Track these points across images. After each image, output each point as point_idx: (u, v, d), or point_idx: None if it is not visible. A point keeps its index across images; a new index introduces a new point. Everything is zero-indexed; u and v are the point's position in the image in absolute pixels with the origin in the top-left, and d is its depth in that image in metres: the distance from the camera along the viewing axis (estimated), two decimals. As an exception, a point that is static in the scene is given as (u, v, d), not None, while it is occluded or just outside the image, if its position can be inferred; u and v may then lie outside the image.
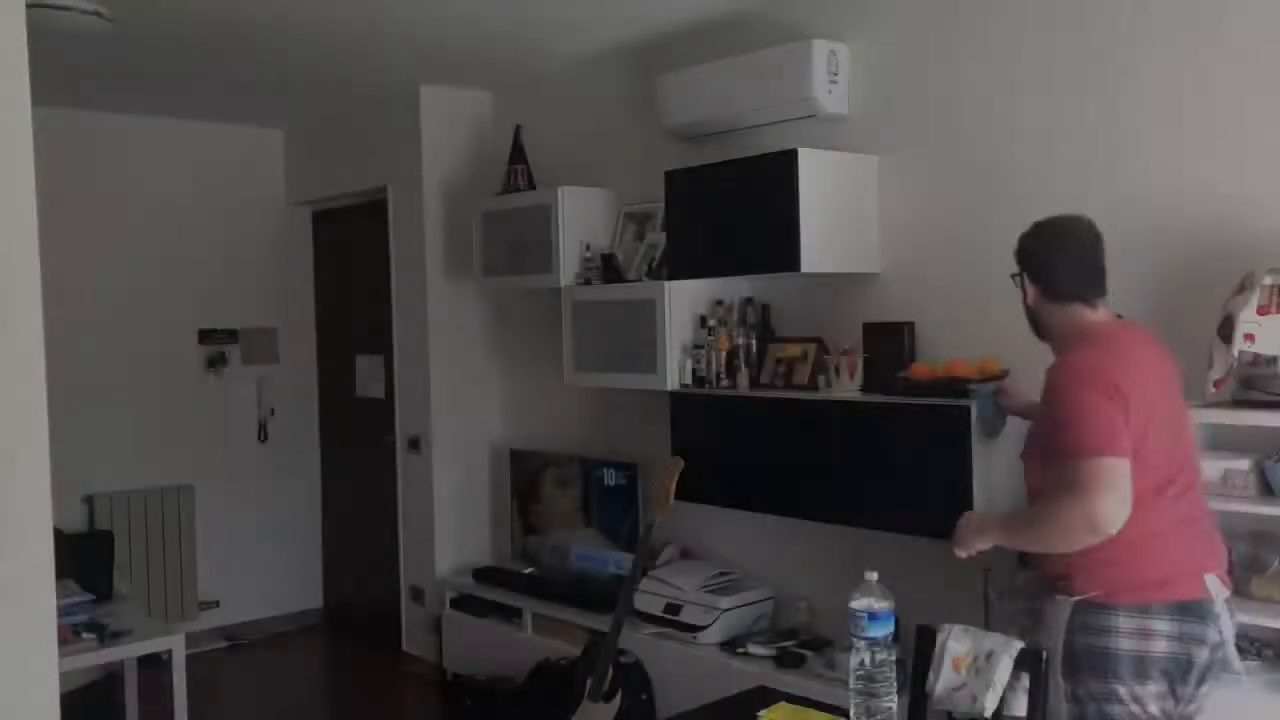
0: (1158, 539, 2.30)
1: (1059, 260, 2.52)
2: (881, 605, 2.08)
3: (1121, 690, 2.28)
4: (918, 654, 2.42)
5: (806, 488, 3.58)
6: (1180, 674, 2.29)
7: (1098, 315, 2.50)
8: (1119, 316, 2.58)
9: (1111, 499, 2.21)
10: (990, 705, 2.19)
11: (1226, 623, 2.33)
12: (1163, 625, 2.28)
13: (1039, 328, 2.61)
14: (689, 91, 4.03)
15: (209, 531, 5.79)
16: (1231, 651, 2.36)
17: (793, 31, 3.83)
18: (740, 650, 3.78)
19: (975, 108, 3.47)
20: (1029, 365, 3.34)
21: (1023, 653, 2.23)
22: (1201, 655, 2.30)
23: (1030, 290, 2.56)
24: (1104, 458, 2.23)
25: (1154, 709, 2.28)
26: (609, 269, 4.27)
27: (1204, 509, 2.47)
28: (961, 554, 2.54)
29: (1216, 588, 2.31)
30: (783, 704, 2.37)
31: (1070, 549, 2.30)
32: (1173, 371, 2.51)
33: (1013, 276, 2.61)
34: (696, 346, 3.96)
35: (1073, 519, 2.25)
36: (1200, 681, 2.33)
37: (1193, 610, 2.29)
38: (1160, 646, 2.27)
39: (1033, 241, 2.57)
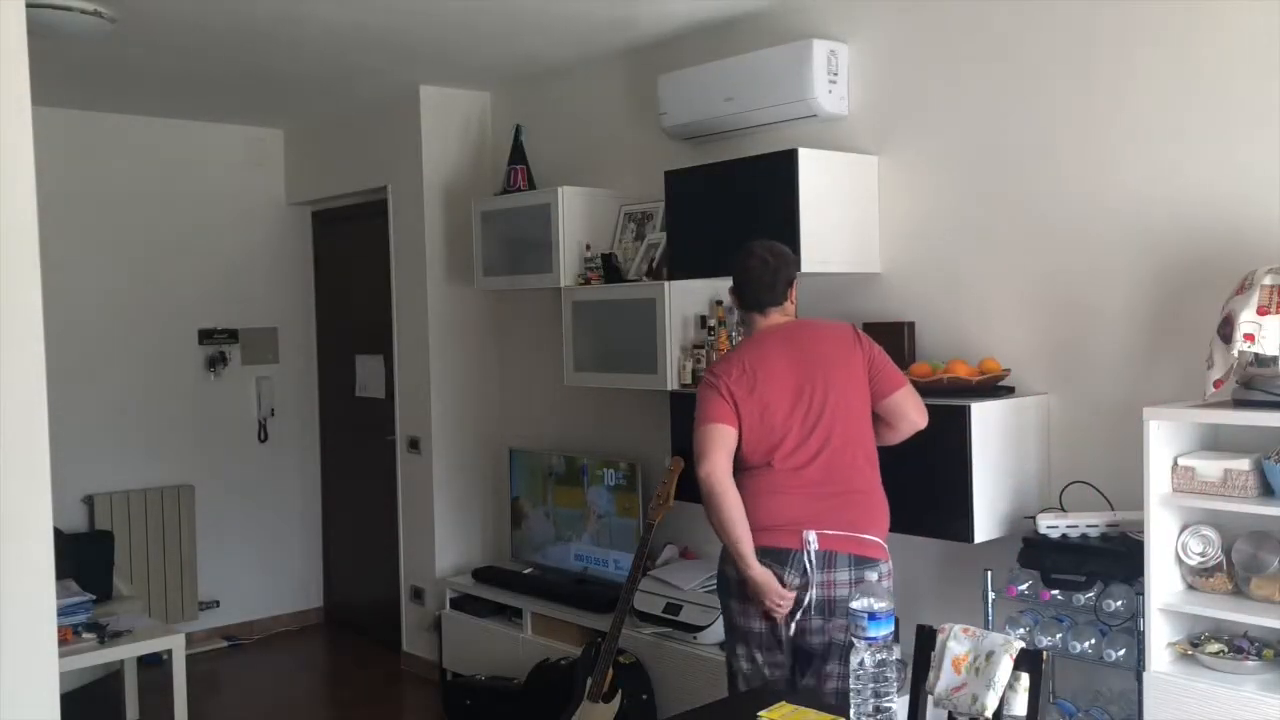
0: (768, 497, 2.88)
1: (740, 278, 3.03)
2: (881, 605, 2.08)
3: (733, 604, 2.97)
4: (918, 654, 2.42)
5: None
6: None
7: (768, 320, 3.02)
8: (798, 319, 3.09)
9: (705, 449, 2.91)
10: (990, 705, 2.19)
11: (815, 570, 2.82)
12: None
13: (744, 332, 3.15)
14: (689, 91, 4.03)
15: (209, 531, 5.79)
16: (818, 593, 2.83)
17: (793, 31, 3.83)
18: (740, 650, 3.77)
19: (974, 108, 3.47)
20: (1030, 365, 3.36)
21: (1023, 653, 2.23)
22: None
23: (735, 302, 3.09)
24: (703, 425, 2.91)
25: (754, 622, 2.93)
26: (609, 269, 4.27)
27: (843, 478, 2.88)
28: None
29: (812, 541, 2.81)
30: (783, 704, 2.37)
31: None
32: (827, 359, 2.93)
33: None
34: (696, 346, 3.96)
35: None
36: (810, 614, 2.86)
37: (775, 555, 2.85)
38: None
39: (733, 261, 3.05)
